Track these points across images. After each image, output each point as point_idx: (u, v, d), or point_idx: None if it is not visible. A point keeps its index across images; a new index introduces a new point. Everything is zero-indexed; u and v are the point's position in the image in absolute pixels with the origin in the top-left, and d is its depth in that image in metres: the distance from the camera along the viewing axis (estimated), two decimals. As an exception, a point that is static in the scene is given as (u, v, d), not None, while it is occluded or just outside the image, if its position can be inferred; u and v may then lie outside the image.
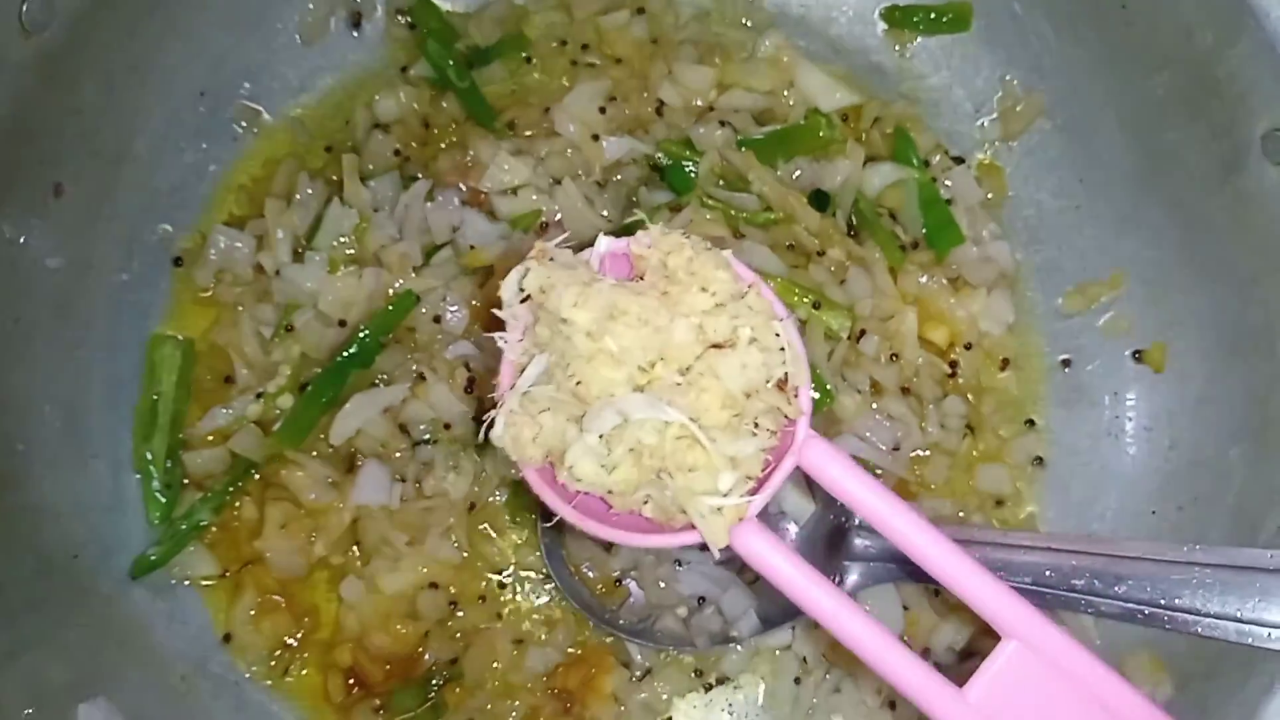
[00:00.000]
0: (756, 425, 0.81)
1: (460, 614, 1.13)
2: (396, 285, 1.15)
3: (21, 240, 1.05)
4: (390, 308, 1.14)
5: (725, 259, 0.84)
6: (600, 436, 0.79)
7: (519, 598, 1.16)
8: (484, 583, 1.15)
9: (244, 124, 1.25)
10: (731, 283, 0.82)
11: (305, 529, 1.12)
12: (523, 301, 0.83)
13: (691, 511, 0.80)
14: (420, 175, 1.20)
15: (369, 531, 1.12)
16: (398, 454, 1.13)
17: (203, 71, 1.21)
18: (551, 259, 0.83)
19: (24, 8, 0.97)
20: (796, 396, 0.82)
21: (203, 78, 1.21)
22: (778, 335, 0.82)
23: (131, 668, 1.08)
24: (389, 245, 1.16)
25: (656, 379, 0.80)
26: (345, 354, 1.13)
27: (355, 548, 1.13)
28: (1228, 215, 1.10)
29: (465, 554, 1.13)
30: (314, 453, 1.14)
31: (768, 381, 0.81)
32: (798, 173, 1.24)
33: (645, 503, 0.82)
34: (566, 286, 0.80)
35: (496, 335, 0.85)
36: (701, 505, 0.80)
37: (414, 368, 1.13)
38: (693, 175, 1.20)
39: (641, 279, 0.85)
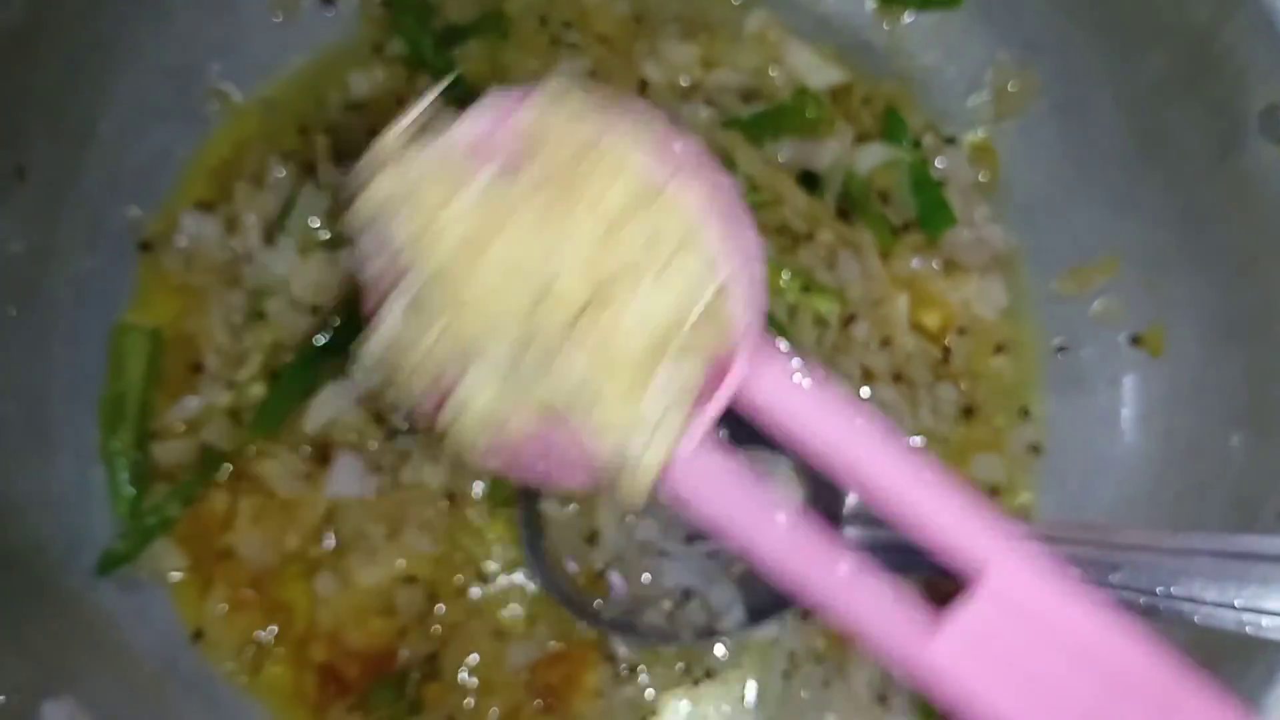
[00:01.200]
0: (684, 356, 0.65)
1: (439, 608, 1.10)
2: None
3: (-20, 225, 1.02)
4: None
5: (644, 136, 0.66)
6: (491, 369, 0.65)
7: (500, 591, 1.13)
8: (463, 576, 1.12)
9: (214, 105, 1.21)
10: (649, 170, 0.64)
11: (278, 522, 1.09)
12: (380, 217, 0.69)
13: (604, 449, 0.65)
14: (394, 158, 1.17)
15: (344, 524, 1.09)
16: (373, 444, 1.10)
17: (170, 50, 1.17)
18: (408, 150, 0.68)
19: (-20, -16, 0.93)
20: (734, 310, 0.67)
21: (170, 57, 1.17)
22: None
23: (99, 666, 1.05)
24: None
25: (555, 308, 0.63)
26: (318, 341, 1.10)
27: (330, 540, 1.10)
28: (1225, 195, 1.08)
29: (443, 547, 1.10)
30: (287, 443, 1.11)
31: (701, 302, 0.65)
32: (785, 153, 1.21)
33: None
34: (432, 184, 0.65)
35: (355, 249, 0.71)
36: (621, 441, 0.65)
37: (390, 355, 1.10)
38: (677, 156, 1.17)
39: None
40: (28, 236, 1.07)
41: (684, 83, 1.23)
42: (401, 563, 1.09)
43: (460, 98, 1.18)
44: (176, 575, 1.11)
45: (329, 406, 1.09)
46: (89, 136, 1.12)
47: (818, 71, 1.25)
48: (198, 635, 1.10)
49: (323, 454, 1.11)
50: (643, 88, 1.22)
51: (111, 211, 1.16)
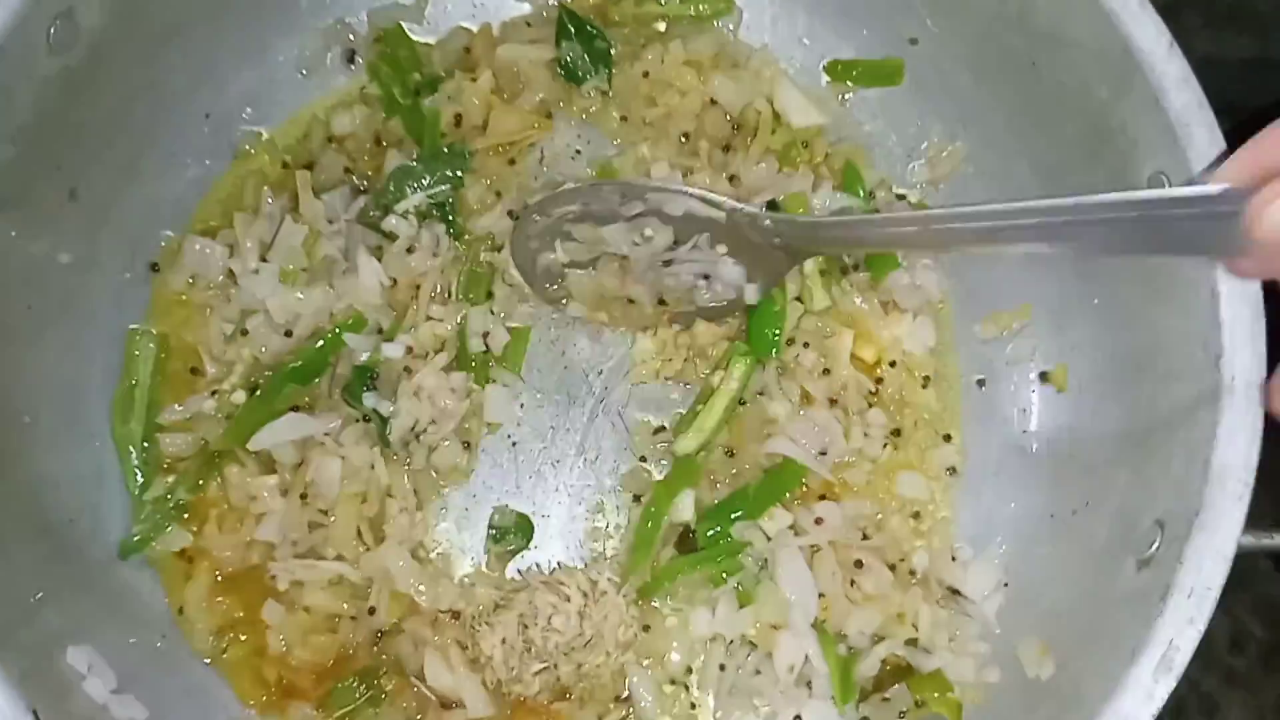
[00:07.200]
0: None
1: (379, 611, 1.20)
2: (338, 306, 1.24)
3: (38, 237, 1.16)
4: (320, 345, 1.22)
5: None
6: None
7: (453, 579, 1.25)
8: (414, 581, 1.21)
9: (246, 145, 1.33)
10: None
11: (242, 527, 1.21)
12: None
13: None
14: (367, 190, 1.30)
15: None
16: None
17: (209, 95, 1.31)
18: None
19: (51, 30, 1.05)
20: None
21: (209, 101, 1.31)
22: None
23: (116, 625, 1.16)
24: (338, 260, 1.26)
25: None
26: (290, 366, 1.22)
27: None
28: (1119, 253, 1.19)
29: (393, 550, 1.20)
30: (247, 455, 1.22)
31: None
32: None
33: None
34: None
35: None
36: None
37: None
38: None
39: None
40: (75, 249, 1.20)
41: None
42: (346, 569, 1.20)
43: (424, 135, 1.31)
44: (154, 560, 1.23)
45: (277, 435, 1.20)
46: (134, 167, 1.25)
47: (803, 111, 1.36)
48: (180, 612, 1.22)
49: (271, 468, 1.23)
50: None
51: (149, 233, 1.29)
